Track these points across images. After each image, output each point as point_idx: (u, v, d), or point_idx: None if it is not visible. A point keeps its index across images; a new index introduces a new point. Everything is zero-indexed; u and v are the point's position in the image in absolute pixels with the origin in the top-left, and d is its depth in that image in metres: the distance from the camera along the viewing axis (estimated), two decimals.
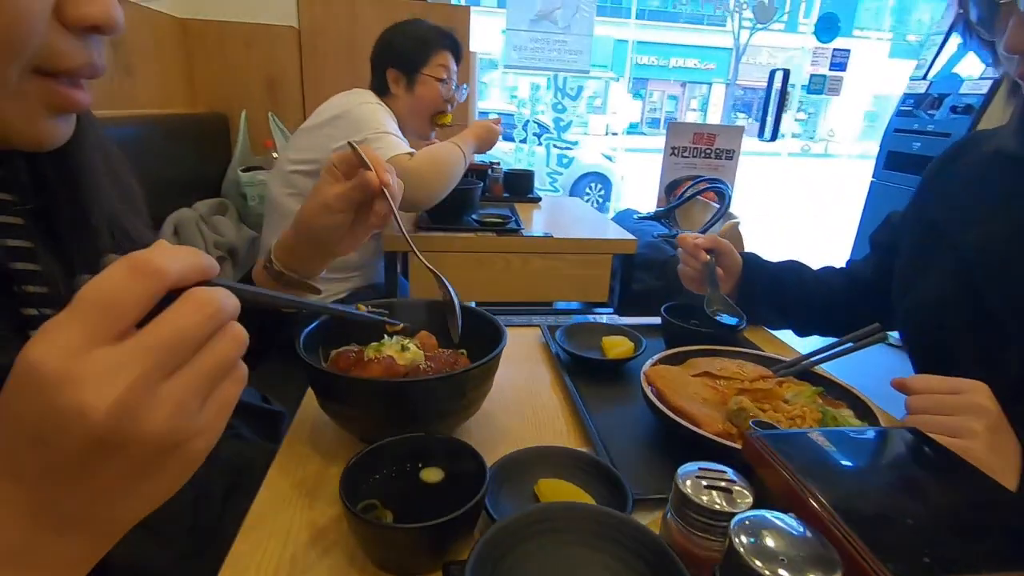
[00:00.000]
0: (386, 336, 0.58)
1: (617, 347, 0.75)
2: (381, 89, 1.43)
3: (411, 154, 1.25)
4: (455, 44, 1.45)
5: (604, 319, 0.90)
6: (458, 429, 0.57)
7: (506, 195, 1.90)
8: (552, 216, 1.80)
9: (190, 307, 0.25)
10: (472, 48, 2.05)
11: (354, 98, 1.34)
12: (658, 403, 0.56)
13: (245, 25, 1.84)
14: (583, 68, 3.48)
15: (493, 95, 10.70)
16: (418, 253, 0.59)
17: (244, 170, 1.74)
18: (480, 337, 0.59)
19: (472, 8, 2.18)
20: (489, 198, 1.86)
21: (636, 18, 13.02)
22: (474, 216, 1.51)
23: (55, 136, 0.37)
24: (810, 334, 0.88)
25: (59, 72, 0.34)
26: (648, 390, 0.58)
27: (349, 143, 0.55)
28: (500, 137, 1.51)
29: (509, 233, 1.45)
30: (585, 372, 0.72)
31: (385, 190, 0.54)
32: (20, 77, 0.33)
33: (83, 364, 0.23)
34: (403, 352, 0.55)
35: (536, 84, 4.55)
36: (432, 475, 0.46)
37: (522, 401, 0.66)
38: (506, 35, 3.37)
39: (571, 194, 5.65)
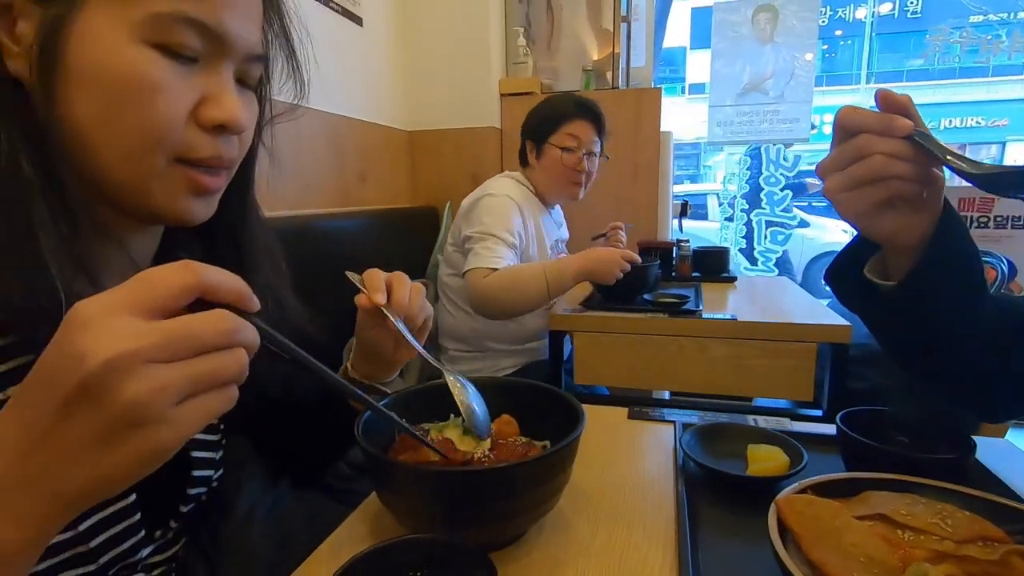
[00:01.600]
0: (452, 415, 0.54)
1: (764, 460, 0.57)
2: (523, 159, 1.52)
3: (493, 269, 1.25)
4: (592, 114, 1.46)
5: (760, 421, 0.70)
6: (522, 539, 0.48)
7: (696, 274, 1.74)
8: (749, 298, 1.57)
9: (207, 317, 0.29)
10: (664, 128, 2.01)
11: (491, 185, 1.43)
12: (783, 553, 0.39)
13: (457, 131, 2.12)
14: (800, 136, 3.13)
15: (702, 175, 10.38)
16: (426, 355, 0.55)
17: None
18: (567, 423, 0.49)
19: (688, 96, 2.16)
20: (675, 278, 1.72)
21: (871, 82, 11.48)
22: (648, 296, 1.40)
23: (195, 214, 0.44)
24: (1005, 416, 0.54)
25: (195, 161, 0.42)
26: (775, 530, 0.41)
27: (346, 273, 0.55)
28: (621, 272, 1.27)
29: (684, 315, 1.30)
30: (714, 488, 0.56)
31: (383, 309, 0.52)
32: (165, 165, 0.41)
33: (105, 321, 0.26)
34: (464, 436, 0.50)
35: (744, 158, 4.25)
36: None
37: (618, 515, 0.53)
38: (710, 112, 3.27)
39: (806, 276, 4.98)
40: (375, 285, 0.53)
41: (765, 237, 4.17)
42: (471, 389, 0.54)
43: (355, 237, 1.66)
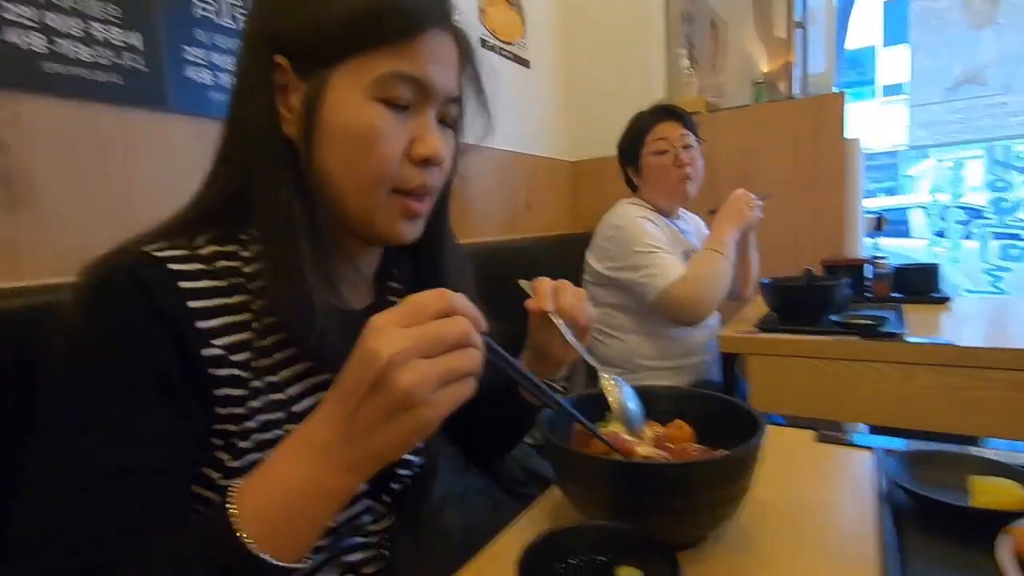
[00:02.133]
0: (607, 414, 0.56)
1: (994, 493, 0.49)
2: (630, 185, 1.56)
3: (683, 277, 1.27)
4: (669, 112, 1.45)
5: (988, 452, 0.59)
6: (700, 544, 0.48)
7: (896, 295, 1.52)
8: (967, 321, 1.34)
9: (451, 322, 0.38)
10: (851, 135, 1.82)
11: (614, 219, 1.44)
12: None
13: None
14: None
15: (901, 186, 8.86)
16: (585, 355, 0.60)
17: None
18: (744, 434, 0.48)
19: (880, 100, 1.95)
20: (870, 299, 1.53)
21: None
22: (835, 317, 1.27)
23: (408, 235, 0.54)
24: None
25: (407, 191, 0.51)
26: (1006, 558, 0.36)
27: (518, 282, 0.61)
28: (753, 207, 1.38)
29: (883, 337, 1.15)
30: (928, 520, 0.49)
31: (551, 315, 0.58)
32: (386, 196, 0.51)
33: (389, 330, 0.36)
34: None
35: (960, 161, 3.57)
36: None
37: (804, 535, 0.50)
38: (911, 113, 2.84)
39: None
40: (544, 292, 0.59)
41: (992, 252, 3.42)
42: (626, 389, 0.58)
43: (521, 261, 1.77)
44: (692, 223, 1.65)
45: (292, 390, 0.50)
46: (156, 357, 0.43)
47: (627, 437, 0.52)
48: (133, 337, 0.43)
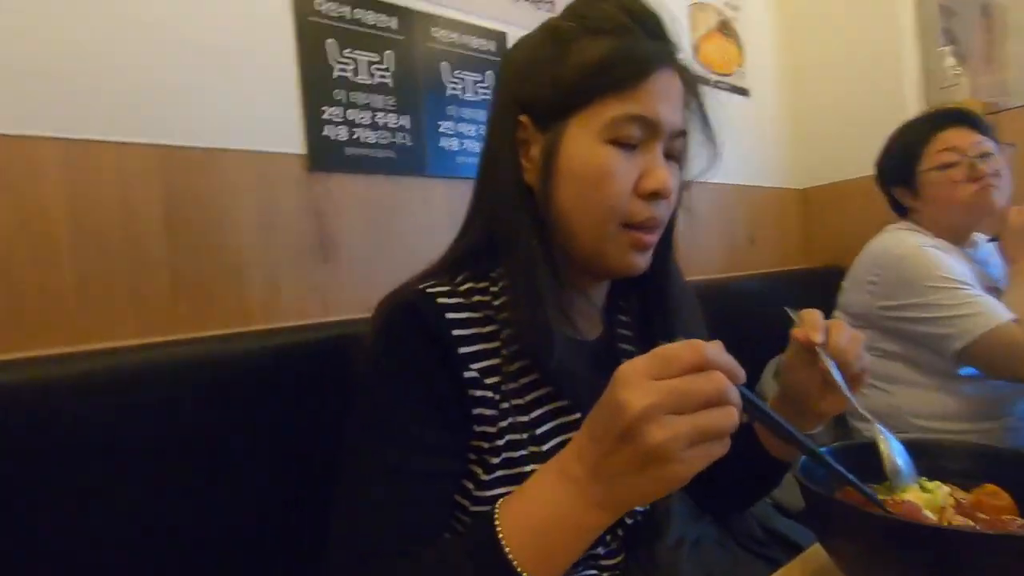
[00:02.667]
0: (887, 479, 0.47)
1: None
2: (899, 209, 1.24)
3: (1017, 320, 0.98)
4: (960, 116, 1.13)
5: None
6: None
7: None
8: None
9: (705, 378, 0.36)
10: None
11: (895, 246, 1.17)
12: None
13: (859, 181, 1.88)
14: None
15: None
16: (856, 404, 0.52)
17: None
18: None
19: None
20: None
21: None
22: None
23: (637, 266, 0.57)
24: None
25: (634, 224, 0.54)
26: None
27: (784, 309, 0.55)
28: None
29: None
30: None
31: (818, 348, 0.51)
32: (615, 230, 0.54)
33: (638, 381, 0.36)
34: (922, 493, 0.43)
35: None
36: None
37: None
38: None
39: None
40: (814, 323, 0.54)
41: None
42: (896, 445, 0.50)
43: (744, 300, 1.64)
44: (988, 252, 1.33)
45: (536, 413, 0.54)
46: (430, 376, 0.51)
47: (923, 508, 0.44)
48: (413, 359, 0.51)
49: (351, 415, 0.52)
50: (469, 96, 1.15)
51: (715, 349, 0.37)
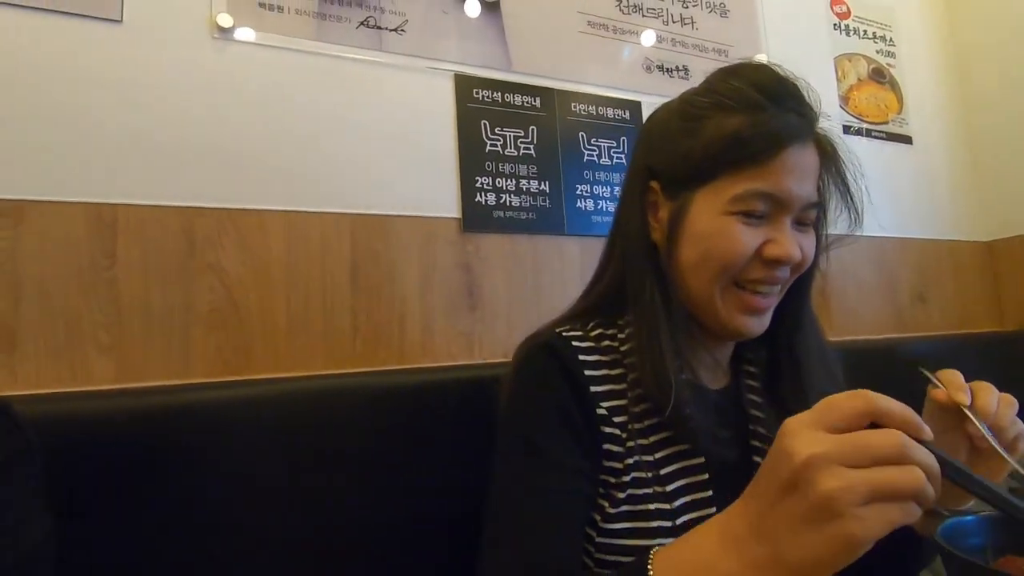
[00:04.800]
0: None
1: None
2: None
3: None
4: None
5: None
6: None
7: None
8: None
9: (883, 433, 0.33)
10: None
11: None
12: None
13: None
14: None
15: None
16: (1016, 466, 0.46)
17: None
18: None
19: None
20: None
21: None
22: None
23: (750, 328, 0.59)
24: None
25: (747, 283, 0.57)
26: None
27: (920, 370, 0.52)
28: None
29: None
30: None
31: (966, 410, 0.47)
32: (724, 288, 0.57)
33: (804, 431, 0.34)
34: None
35: None
36: None
37: None
38: None
39: None
40: (957, 383, 0.51)
41: None
42: None
43: (914, 365, 1.47)
44: None
45: (660, 454, 0.58)
46: (566, 407, 0.57)
47: None
48: (551, 391, 0.58)
49: (496, 444, 0.60)
50: (604, 161, 1.24)
51: (889, 400, 0.34)
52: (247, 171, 0.92)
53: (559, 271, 1.15)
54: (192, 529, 0.72)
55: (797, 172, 0.54)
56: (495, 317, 1.07)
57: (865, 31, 1.71)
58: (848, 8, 1.69)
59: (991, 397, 0.49)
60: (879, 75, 1.70)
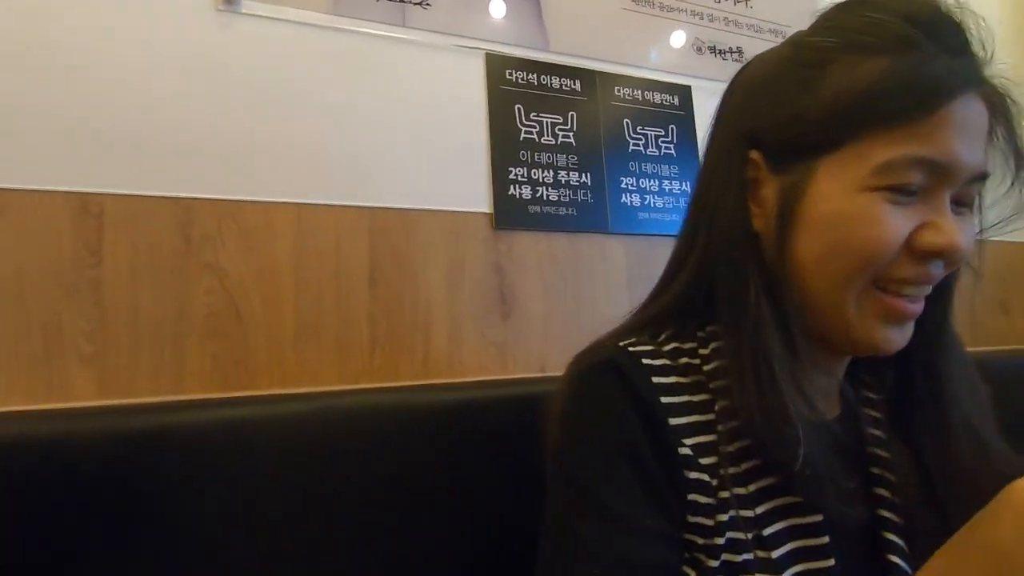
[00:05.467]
0: None
1: None
2: None
3: None
4: None
5: None
6: None
7: None
8: None
9: None
10: None
11: None
12: None
13: None
14: None
15: None
16: None
17: None
18: None
19: None
20: None
21: None
22: None
23: (891, 342, 0.44)
24: None
25: (891, 283, 0.43)
26: None
27: None
28: None
29: None
30: None
31: None
32: (862, 289, 0.43)
33: None
34: None
35: None
36: None
37: None
38: None
39: None
40: None
41: None
42: None
43: (996, 382, 1.30)
44: None
45: (762, 509, 0.44)
46: (636, 445, 0.44)
47: None
48: (615, 423, 0.45)
49: (550, 487, 0.47)
50: (651, 151, 1.11)
51: None
52: (252, 159, 0.81)
53: (601, 274, 1.01)
54: (183, 570, 0.61)
55: (966, 132, 0.40)
56: (530, 326, 0.94)
57: None
58: None
59: None
60: None
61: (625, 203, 1.07)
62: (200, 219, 0.77)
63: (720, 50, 1.21)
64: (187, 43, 0.80)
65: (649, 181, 1.09)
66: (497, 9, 1.02)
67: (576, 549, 0.42)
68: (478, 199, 0.95)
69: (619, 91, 1.10)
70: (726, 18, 1.24)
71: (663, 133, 1.12)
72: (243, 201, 0.80)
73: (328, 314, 0.82)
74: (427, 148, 0.92)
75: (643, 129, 1.11)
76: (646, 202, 1.08)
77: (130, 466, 0.62)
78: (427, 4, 0.96)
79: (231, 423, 0.67)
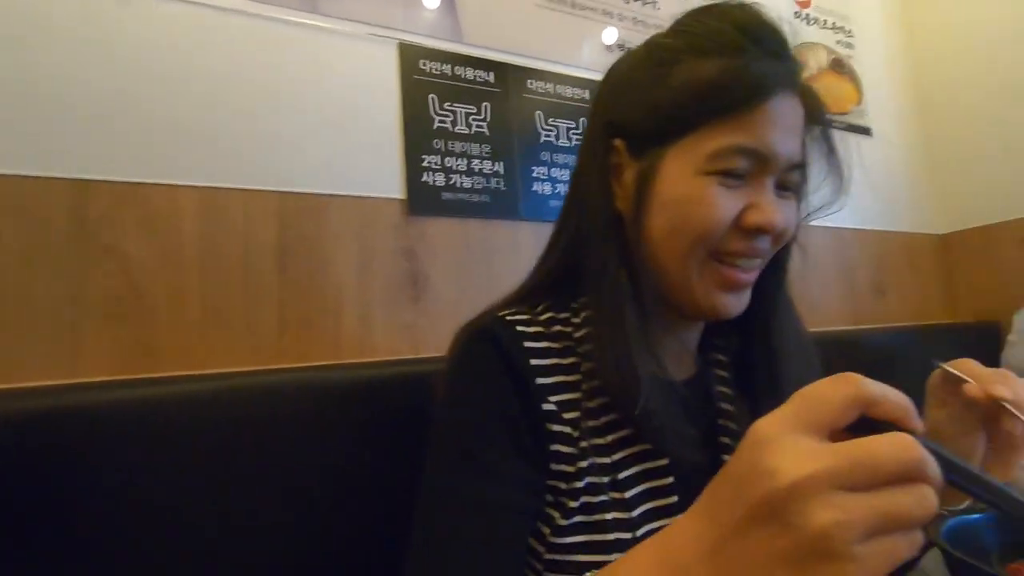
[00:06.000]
0: None
1: None
2: None
3: None
4: None
5: None
6: None
7: None
8: None
9: (888, 440, 0.25)
10: None
11: None
12: None
13: (1015, 222, 1.64)
14: None
15: None
16: None
17: None
18: None
19: None
20: None
21: None
22: None
23: (729, 308, 0.51)
24: None
25: (726, 255, 0.49)
26: None
27: (935, 363, 0.45)
28: None
29: None
30: None
31: (1007, 405, 0.41)
32: (701, 261, 0.50)
33: (786, 439, 0.26)
34: None
35: None
36: None
37: None
38: None
39: None
40: (990, 376, 0.43)
41: None
42: None
43: (874, 357, 1.46)
44: None
45: (618, 456, 0.50)
46: (506, 405, 0.49)
47: None
48: (487, 384, 0.49)
49: (428, 447, 0.52)
50: (563, 142, 1.17)
51: (879, 385, 0.27)
52: (155, 140, 0.81)
53: (514, 259, 1.06)
54: (83, 557, 0.62)
55: (782, 125, 0.47)
56: (442, 309, 0.98)
57: (825, 21, 1.69)
58: None
59: (1020, 387, 0.43)
60: (838, 66, 1.69)
61: (537, 191, 1.12)
62: (96, 201, 0.76)
63: (628, 48, 1.28)
64: (85, 16, 0.78)
65: (560, 171, 1.15)
66: (410, 1, 1.04)
67: (444, 497, 0.47)
68: (391, 186, 0.98)
69: (532, 84, 1.15)
70: (634, 18, 1.31)
71: (574, 125, 1.18)
72: (144, 183, 0.79)
73: (236, 298, 0.83)
74: (339, 134, 0.94)
75: (554, 121, 1.16)
76: (557, 191, 1.14)
77: (24, 450, 0.61)
78: None
79: (132, 404, 0.67)
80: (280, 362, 0.84)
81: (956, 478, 0.27)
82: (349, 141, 0.95)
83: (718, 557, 0.27)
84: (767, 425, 0.27)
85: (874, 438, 0.25)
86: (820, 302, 1.52)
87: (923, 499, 0.25)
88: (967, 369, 0.45)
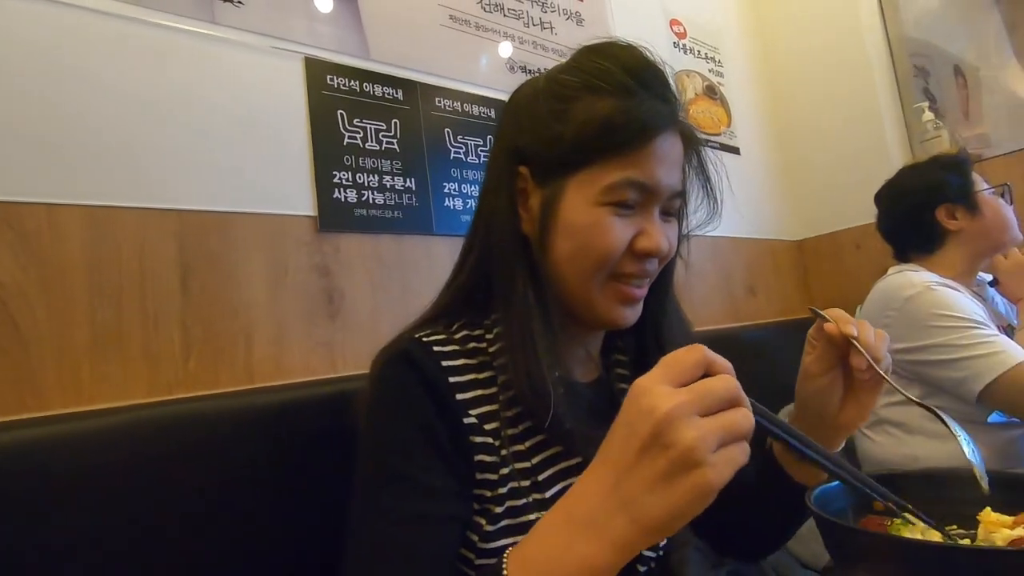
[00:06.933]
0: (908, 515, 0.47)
1: None
2: (927, 244, 1.22)
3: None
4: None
5: None
6: None
7: None
8: None
9: (720, 379, 0.36)
10: None
11: (906, 287, 1.14)
12: None
13: (856, 230, 1.93)
14: None
15: None
16: (904, 392, 0.53)
17: None
18: None
19: None
20: None
21: None
22: None
23: (626, 318, 0.57)
24: None
25: (623, 276, 0.56)
26: None
27: (811, 309, 0.56)
28: None
29: None
30: None
31: (854, 341, 0.50)
32: (602, 282, 0.55)
33: (658, 388, 0.35)
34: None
35: None
36: None
37: None
38: None
39: None
40: (845, 318, 0.53)
41: None
42: (974, 445, 0.49)
43: (748, 348, 1.65)
44: (993, 292, 1.33)
45: (537, 459, 0.54)
46: (430, 423, 0.51)
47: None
48: (409, 405, 0.52)
49: (356, 468, 0.52)
50: (472, 159, 1.21)
51: (715, 354, 0.37)
52: (29, 157, 0.73)
53: (428, 273, 1.08)
54: None
55: (666, 160, 0.54)
56: (359, 325, 0.97)
57: (698, 51, 1.89)
58: (684, 29, 1.85)
59: (869, 331, 0.52)
60: (711, 91, 1.89)
61: (448, 207, 1.15)
62: None
63: (529, 69, 1.36)
64: None
65: (470, 187, 1.19)
66: (314, 14, 1.03)
67: (376, 514, 0.48)
68: (301, 202, 0.95)
69: (440, 102, 1.17)
70: (534, 41, 1.39)
71: (481, 143, 1.23)
72: (15, 203, 0.71)
73: (131, 323, 0.77)
74: (242, 150, 0.91)
75: (463, 138, 1.20)
76: (468, 206, 1.17)
77: None
78: (239, 2, 0.93)
79: (16, 448, 0.61)
80: (186, 391, 0.79)
81: (765, 423, 0.41)
82: (254, 157, 0.92)
83: (617, 491, 0.35)
84: (643, 381, 0.36)
85: (711, 379, 0.36)
86: (704, 303, 1.69)
87: (746, 416, 0.35)
88: (834, 314, 0.54)
